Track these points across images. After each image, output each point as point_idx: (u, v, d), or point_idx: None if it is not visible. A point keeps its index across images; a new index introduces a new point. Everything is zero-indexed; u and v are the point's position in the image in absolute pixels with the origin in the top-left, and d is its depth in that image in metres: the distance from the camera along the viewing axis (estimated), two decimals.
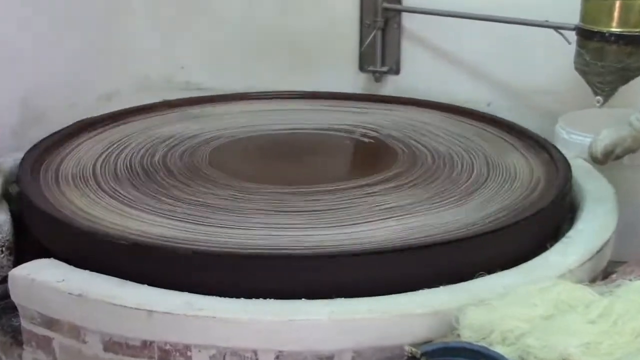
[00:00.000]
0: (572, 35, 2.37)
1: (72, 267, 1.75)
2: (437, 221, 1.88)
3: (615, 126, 2.01)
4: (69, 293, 1.66)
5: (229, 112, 2.68)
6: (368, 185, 2.09)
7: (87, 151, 2.30)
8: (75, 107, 2.66)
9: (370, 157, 2.36)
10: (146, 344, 1.63)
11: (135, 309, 1.60)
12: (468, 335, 1.49)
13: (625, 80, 2.16)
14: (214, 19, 3.05)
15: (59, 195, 2.01)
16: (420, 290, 1.64)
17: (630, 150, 2.00)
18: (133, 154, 2.28)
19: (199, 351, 1.61)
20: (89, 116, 2.57)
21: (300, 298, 1.63)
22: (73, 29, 2.68)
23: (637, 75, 2.15)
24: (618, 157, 2.02)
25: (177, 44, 3.07)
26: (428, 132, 2.47)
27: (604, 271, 1.87)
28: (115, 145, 2.34)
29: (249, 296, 1.63)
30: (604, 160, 2.02)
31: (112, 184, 2.08)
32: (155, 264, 1.71)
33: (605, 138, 2.00)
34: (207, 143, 2.38)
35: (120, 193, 2.03)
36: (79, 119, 2.53)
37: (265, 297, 1.63)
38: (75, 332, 1.70)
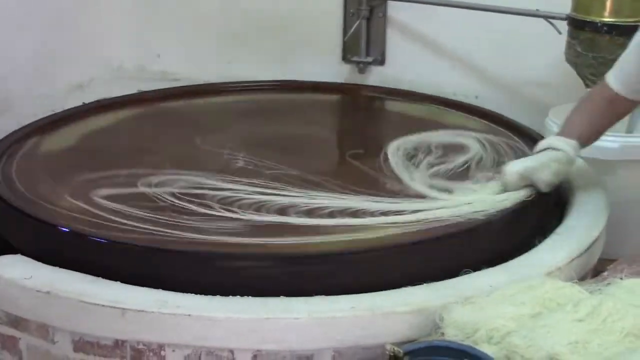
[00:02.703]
0: (564, 25, 2.40)
1: (40, 263, 1.74)
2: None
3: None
4: (37, 290, 1.66)
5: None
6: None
7: (56, 143, 2.30)
8: (43, 97, 2.65)
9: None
10: (118, 344, 1.64)
11: (108, 306, 1.61)
12: (453, 334, 1.50)
13: None
14: (192, 5, 3.05)
15: (24, 186, 2.00)
16: (404, 288, 1.66)
17: (563, 174, 1.92)
18: (107, 146, 2.29)
19: (173, 351, 1.61)
20: (58, 106, 2.57)
21: (279, 295, 1.63)
22: (41, 12, 2.66)
23: None
24: (552, 184, 1.90)
25: (153, 30, 3.07)
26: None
27: (594, 269, 1.90)
28: (86, 138, 2.34)
29: (225, 294, 1.64)
30: (519, 181, 1.88)
31: (82, 177, 2.07)
32: (129, 260, 1.71)
33: (524, 162, 1.91)
34: None
35: (91, 186, 2.01)
36: (47, 109, 2.53)
37: (242, 295, 1.63)
38: (44, 331, 1.70)
